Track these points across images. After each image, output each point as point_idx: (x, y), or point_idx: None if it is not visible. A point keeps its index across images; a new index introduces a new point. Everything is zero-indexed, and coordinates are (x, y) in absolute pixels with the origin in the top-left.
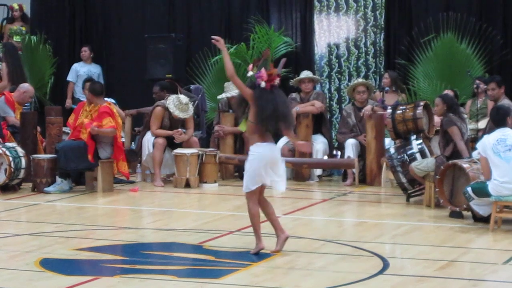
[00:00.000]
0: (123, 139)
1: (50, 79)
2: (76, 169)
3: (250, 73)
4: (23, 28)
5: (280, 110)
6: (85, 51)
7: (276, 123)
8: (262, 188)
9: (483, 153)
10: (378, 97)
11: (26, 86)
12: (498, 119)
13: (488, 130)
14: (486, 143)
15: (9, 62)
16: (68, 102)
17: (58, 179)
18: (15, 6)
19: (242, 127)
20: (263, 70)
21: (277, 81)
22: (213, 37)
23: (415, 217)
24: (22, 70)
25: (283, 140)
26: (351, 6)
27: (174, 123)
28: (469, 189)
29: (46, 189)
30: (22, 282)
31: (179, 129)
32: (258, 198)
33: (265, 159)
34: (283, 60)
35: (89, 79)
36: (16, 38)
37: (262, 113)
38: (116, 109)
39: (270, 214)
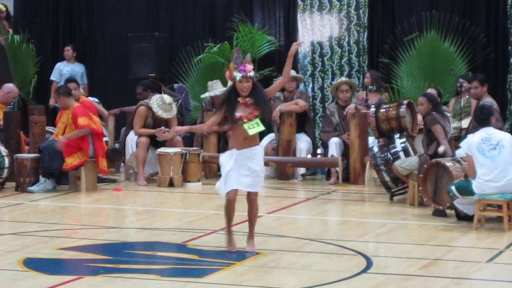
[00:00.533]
0: (106, 138)
1: (33, 78)
2: (60, 169)
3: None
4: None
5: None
6: (68, 51)
7: None
8: None
9: (468, 151)
10: (361, 96)
11: (10, 86)
12: (482, 119)
13: (471, 129)
14: (471, 142)
15: None
16: (52, 101)
17: (42, 179)
18: (1, 7)
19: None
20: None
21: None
22: (298, 42)
23: (398, 216)
24: (9, 69)
25: (266, 139)
26: (334, 5)
27: (158, 122)
28: (453, 187)
29: (30, 188)
30: (5, 282)
31: (162, 127)
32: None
33: None
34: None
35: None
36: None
37: (226, 110)
38: (99, 108)
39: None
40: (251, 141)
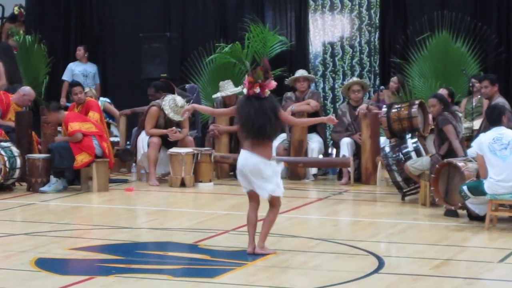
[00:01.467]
0: (117, 139)
1: (45, 78)
2: (71, 167)
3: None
4: (21, 32)
5: (252, 120)
6: (80, 50)
7: (250, 133)
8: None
9: (479, 151)
10: (375, 99)
11: (27, 90)
12: (494, 118)
13: (483, 129)
14: (483, 141)
15: (5, 61)
16: (62, 101)
17: (53, 179)
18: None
19: None
20: (246, 77)
21: (257, 89)
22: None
23: (410, 216)
24: (18, 70)
25: (278, 139)
26: (345, 5)
27: (169, 122)
28: (465, 187)
29: (42, 189)
30: (17, 282)
31: (173, 128)
32: (255, 203)
33: (238, 167)
34: (264, 61)
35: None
36: (16, 38)
37: (238, 120)
38: (110, 108)
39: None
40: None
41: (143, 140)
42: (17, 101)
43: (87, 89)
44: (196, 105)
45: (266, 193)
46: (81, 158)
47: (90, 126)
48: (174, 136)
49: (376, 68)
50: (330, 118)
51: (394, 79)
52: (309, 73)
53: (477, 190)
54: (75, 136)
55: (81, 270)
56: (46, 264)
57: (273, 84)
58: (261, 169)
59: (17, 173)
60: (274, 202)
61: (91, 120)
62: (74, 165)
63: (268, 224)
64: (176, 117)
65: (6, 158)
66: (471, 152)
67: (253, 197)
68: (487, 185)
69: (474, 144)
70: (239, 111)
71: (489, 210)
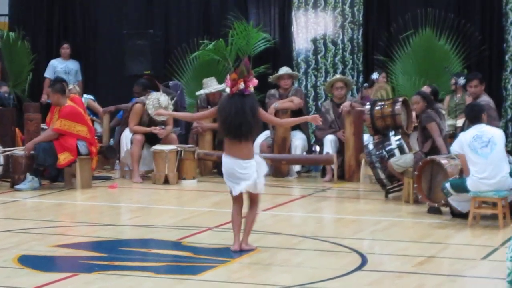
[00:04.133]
0: (100, 135)
1: (29, 75)
2: (54, 165)
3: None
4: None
5: (231, 118)
6: (66, 48)
7: (227, 132)
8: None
9: (460, 150)
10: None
11: None
12: (473, 116)
13: (466, 128)
14: (463, 140)
15: None
16: (44, 98)
17: (29, 176)
18: None
19: None
20: (228, 76)
21: (242, 85)
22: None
23: (393, 213)
24: (4, 67)
25: (261, 137)
26: (329, 2)
27: (153, 120)
28: (447, 184)
29: (17, 186)
30: (0, 279)
31: (157, 127)
32: (240, 202)
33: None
34: (245, 60)
35: (56, 80)
36: None
37: (218, 119)
38: (94, 105)
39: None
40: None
41: (126, 137)
42: None
43: (71, 86)
44: (174, 113)
45: (238, 189)
46: (63, 157)
47: (83, 129)
48: (162, 134)
49: (359, 66)
50: (314, 117)
51: (383, 74)
52: (292, 70)
53: (460, 187)
54: (50, 134)
55: (64, 267)
56: (29, 261)
57: (255, 81)
58: (235, 171)
59: (0, 170)
60: (254, 199)
61: (88, 122)
62: (57, 163)
63: (251, 222)
64: (159, 118)
65: None
66: (453, 149)
67: (237, 197)
68: (470, 183)
69: (455, 144)
70: (220, 110)
71: (472, 208)
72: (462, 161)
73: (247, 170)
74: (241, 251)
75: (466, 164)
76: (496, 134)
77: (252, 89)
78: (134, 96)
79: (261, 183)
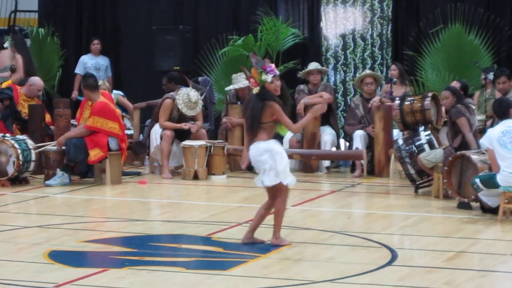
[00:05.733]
0: (131, 131)
1: (58, 71)
2: (85, 161)
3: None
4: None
5: (246, 112)
6: (97, 44)
7: (246, 124)
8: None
9: (489, 146)
10: (387, 89)
11: (34, 79)
12: (501, 111)
13: (495, 123)
14: (491, 136)
15: (23, 53)
16: (74, 94)
17: (59, 172)
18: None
19: (282, 131)
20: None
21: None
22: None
23: (423, 208)
24: (32, 62)
25: (290, 132)
26: None
27: (183, 115)
28: (477, 180)
29: (47, 182)
30: (31, 274)
31: (187, 123)
32: (270, 196)
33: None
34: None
35: (86, 76)
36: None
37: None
38: (123, 101)
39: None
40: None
41: (156, 132)
42: (25, 93)
43: (100, 82)
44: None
45: (261, 183)
46: (94, 154)
47: (115, 127)
48: (194, 128)
49: (389, 61)
50: (316, 108)
51: (393, 67)
52: (321, 66)
53: (490, 182)
54: (82, 131)
55: (94, 263)
56: (59, 257)
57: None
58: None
59: (32, 166)
60: (278, 192)
61: (119, 119)
62: (88, 159)
63: (276, 215)
64: (188, 112)
65: (19, 151)
66: (483, 144)
67: (267, 191)
68: (500, 178)
69: (484, 139)
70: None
71: (502, 203)
72: (491, 157)
73: (258, 164)
74: (270, 246)
75: (495, 160)
76: None
77: (256, 89)
78: (163, 89)
79: (283, 174)
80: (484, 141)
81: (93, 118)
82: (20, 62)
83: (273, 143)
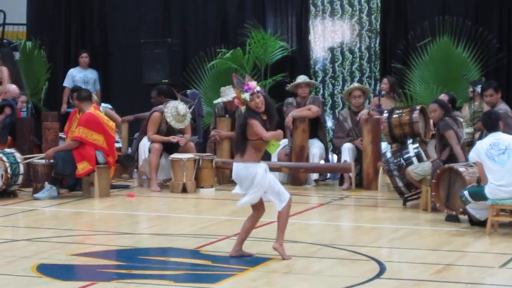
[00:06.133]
0: (120, 145)
1: (45, 85)
2: (73, 174)
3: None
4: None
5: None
6: (85, 58)
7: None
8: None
9: (477, 158)
10: (375, 102)
11: (9, 87)
12: (491, 124)
13: (483, 136)
14: (480, 148)
15: (9, 66)
16: (63, 108)
17: (47, 185)
18: None
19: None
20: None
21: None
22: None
23: (411, 221)
24: (20, 76)
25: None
26: (346, 10)
27: (171, 128)
28: (465, 192)
29: (35, 195)
30: None
31: (175, 136)
32: (254, 209)
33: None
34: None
35: (75, 89)
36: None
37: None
38: (112, 114)
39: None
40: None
41: (144, 145)
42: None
43: None
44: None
45: (240, 202)
46: (82, 167)
47: (99, 139)
48: (182, 142)
49: (377, 74)
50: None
51: (384, 80)
52: (310, 79)
53: (478, 195)
54: (71, 143)
55: (82, 276)
56: (48, 270)
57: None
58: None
59: (20, 179)
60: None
61: (107, 132)
62: (76, 173)
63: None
64: (177, 125)
65: (8, 164)
66: (472, 157)
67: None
68: (488, 190)
69: (472, 152)
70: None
71: (490, 215)
72: (480, 170)
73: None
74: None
75: (484, 172)
76: None
77: (242, 108)
78: (152, 102)
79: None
80: (472, 154)
81: (79, 128)
82: (5, 74)
83: (260, 169)
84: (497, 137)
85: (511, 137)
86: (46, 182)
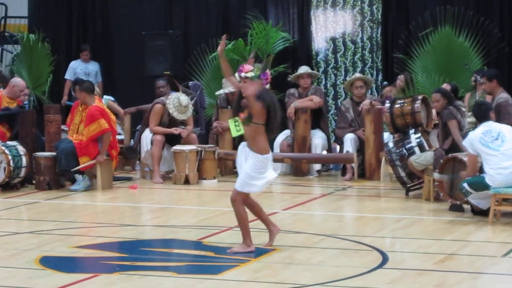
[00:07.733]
0: (122, 137)
1: (49, 77)
2: (78, 169)
3: (250, 74)
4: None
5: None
6: (86, 55)
7: None
8: None
9: (471, 149)
10: (388, 94)
11: (16, 80)
12: (481, 114)
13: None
14: (473, 138)
15: None
16: (64, 99)
17: (79, 177)
18: None
19: (234, 132)
20: (268, 72)
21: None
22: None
23: (414, 211)
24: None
25: (281, 136)
26: (347, 1)
27: (173, 120)
28: (465, 184)
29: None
30: (21, 280)
31: (177, 128)
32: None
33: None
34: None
35: (77, 81)
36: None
37: (278, 115)
38: (114, 106)
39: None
40: (250, 142)
41: (146, 137)
42: (8, 94)
43: None
44: None
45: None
46: (83, 161)
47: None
48: (185, 133)
49: (379, 64)
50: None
51: (401, 77)
52: (312, 69)
53: (479, 185)
54: (107, 134)
55: (85, 268)
56: (51, 262)
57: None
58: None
59: (23, 172)
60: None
61: (111, 123)
62: (79, 167)
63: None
64: (180, 116)
65: (10, 157)
66: (465, 146)
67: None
68: (488, 178)
69: (465, 143)
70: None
71: (492, 205)
72: (470, 159)
73: (249, 161)
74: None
75: (474, 163)
76: (504, 129)
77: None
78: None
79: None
80: (465, 143)
81: (100, 121)
82: None
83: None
84: (489, 125)
85: (502, 125)
86: (76, 175)
